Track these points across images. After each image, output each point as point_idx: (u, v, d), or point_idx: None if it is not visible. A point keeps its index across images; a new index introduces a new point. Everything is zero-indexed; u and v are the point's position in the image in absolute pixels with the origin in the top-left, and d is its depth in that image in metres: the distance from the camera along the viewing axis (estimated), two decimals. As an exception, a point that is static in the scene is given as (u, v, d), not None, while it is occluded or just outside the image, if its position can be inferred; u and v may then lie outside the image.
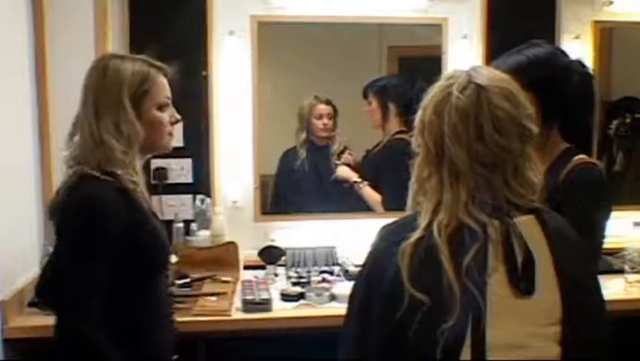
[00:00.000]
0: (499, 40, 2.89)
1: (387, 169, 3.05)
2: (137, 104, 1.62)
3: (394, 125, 3.09)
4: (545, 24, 3.06)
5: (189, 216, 2.88)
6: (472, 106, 1.18)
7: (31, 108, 2.30)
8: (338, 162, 3.11)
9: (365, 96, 3.09)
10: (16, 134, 2.19)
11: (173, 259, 2.45)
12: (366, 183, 3.08)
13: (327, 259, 2.78)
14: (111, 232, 1.52)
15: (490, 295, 1.12)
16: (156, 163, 2.83)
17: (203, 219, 2.86)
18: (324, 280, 2.53)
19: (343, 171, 3.11)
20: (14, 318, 2.05)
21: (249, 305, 2.23)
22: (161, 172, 2.87)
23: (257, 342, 2.27)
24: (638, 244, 2.66)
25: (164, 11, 2.85)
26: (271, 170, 3.08)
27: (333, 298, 2.34)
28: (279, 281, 2.58)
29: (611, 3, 3.09)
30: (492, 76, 1.23)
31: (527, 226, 1.18)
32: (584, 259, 1.27)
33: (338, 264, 2.74)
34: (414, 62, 3.20)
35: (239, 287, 2.42)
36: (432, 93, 1.24)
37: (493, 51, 2.76)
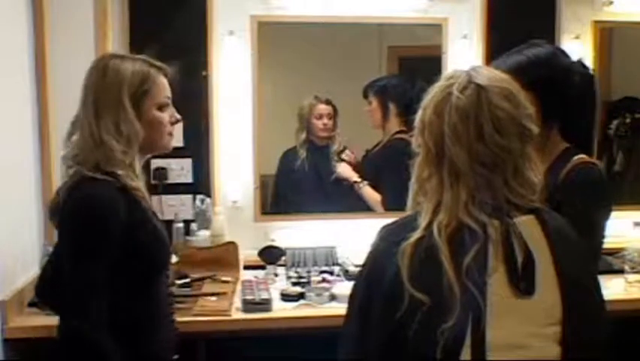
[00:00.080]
0: (499, 40, 2.89)
1: (387, 169, 3.05)
2: (137, 104, 1.61)
3: (394, 125, 3.09)
4: (545, 24, 3.07)
5: (189, 216, 2.88)
6: (472, 106, 1.18)
7: (31, 108, 2.30)
8: (337, 158, 3.10)
9: (365, 96, 3.09)
10: (16, 135, 2.19)
11: (173, 259, 2.45)
12: (365, 182, 3.08)
13: (327, 259, 2.78)
14: (112, 232, 1.52)
15: (490, 295, 1.12)
16: (156, 163, 2.83)
17: (203, 219, 2.86)
18: (324, 280, 2.53)
19: (343, 170, 3.11)
20: (14, 318, 2.05)
21: (249, 305, 2.23)
22: (161, 172, 2.87)
23: (257, 342, 2.27)
24: (638, 244, 2.66)
25: (164, 11, 2.85)
26: (271, 170, 3.08)
27: (333, 298, 2.34)
28: (279, 281, 2.58)
29: (611, 3, 3.09)
30: (492, 76, 1.23)
31: (527, 225, 1.18)
32: (584, 259, 1.27)
33: (338, 264, 2.74)
34: (414, 62, 3.20)
35: (239, 287, 2.42)
36: (432, 93, 1.24)
37: (493, 51, 2.76)
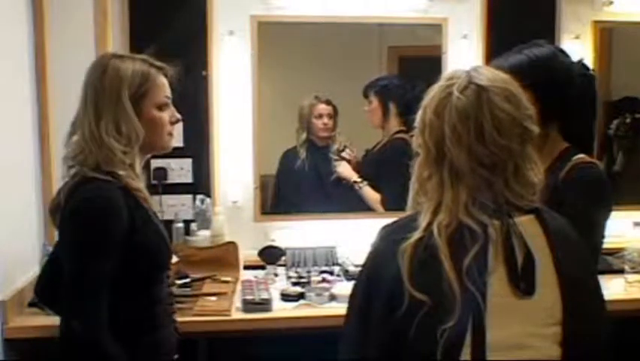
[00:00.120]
0: (499, 40, 2.89)
1: (386, 169, 3.05)
2: (137, 103, 1.61)
3: (394, 124, 3.09)
4: (545, 24, 3.07)
5: (189, 216, 2.88)
6: (473, 107, 1.18)
7: (31, 108, 2.30)
8: (337, 157, 3.10)
9: (365, 96, 3.09)
10: (16, 134, 2.19)
11: (174, 259, 2.45)
12: (365, 183, 3.08)
13: (327, 259, 2.78)
14: (113, 232, 1.52)
15: (490, 296, 1.12)
16: (156, 163, 2.83)
17: (203, 219, 2.86)
18: (324, 280, 2.53)
19: (344, 169, 3.11)
20: (14, 318, 2.05)
21: (249, 305, 2.23)
22: (161, 172, 2.87)
23: (257, 342, 2.27)
24: (638, 244, 2.66)
25: (164, 11, 2.85)
26: (271, 170, 3.08)
27: (333, 298, 2.34)
28: (279, 281, 2.58)
29: (611, 3, 3.09)
30: (493, 76, 1.23)
31: (527, 226, 1.18)
32: (584, 259, 1.27)
33: (338, 264, 2.74)
34: (414, 62, 3.20)
35: (239, 287, 2.42)
36: (432, 93, 1.24)
37: (493, 51, 2.76)
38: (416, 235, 1.16)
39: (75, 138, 1.61)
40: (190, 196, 2.92)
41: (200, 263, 2.64)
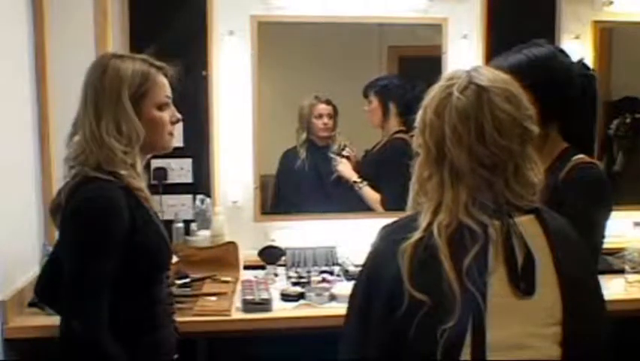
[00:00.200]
0: (499, 40, 2.89)
1: (386, 169, 3.05)
2: (137, 103, 1.61)
3: (394, 124, 3.09)
4: (545, 24, 3.07)
5: (189, 216, 2.88)
6: (473, 107, 1.18)
7: (31, 108, 2.30)
8: (337, 156, 3.10)
9: (365, 95, 3.09)
10: (16, 135, 2.19)
11: (174, 259, 2.45)
12: (365, 183, 3.07)
13: (327, 259, 2.78)
14: (114, 232, 1.52)
15: (490, 296, 1.12)
16: (156, 163, 2.83)
17: (203, 219, 2.86)
18: (324, 280, 2.53)
19: (344, 167, 3.11)
20: (14, 318, 2.05)
21: (249, 305, 2.23)
22: (161, 172, 2.87)
23: (257, 342, 2.27)
24: (638, 244, 2.66)
25: (164, 11, 2.85)
26: (271, 170, 3.08)
27: (333, 298, 2.34)
28: (279, 281, 2.58)
29: (611, 3, 3.09)
30: (493, 77, 1.23)
31: (528, 226, 1.18)
32: (584, 259, 1.27)
33: (338, 264, 2.74)
34: (414, 62, 3.20)
35: (239, 287, 2.42)
36: (432, 93, 1.24)
37: (493, 51, 2.75)
38: (416, 235, 1.16)
39: (76, 138, 1.61)
40: (190, 196, 2.92)
41: (200, 263, 2.64)
